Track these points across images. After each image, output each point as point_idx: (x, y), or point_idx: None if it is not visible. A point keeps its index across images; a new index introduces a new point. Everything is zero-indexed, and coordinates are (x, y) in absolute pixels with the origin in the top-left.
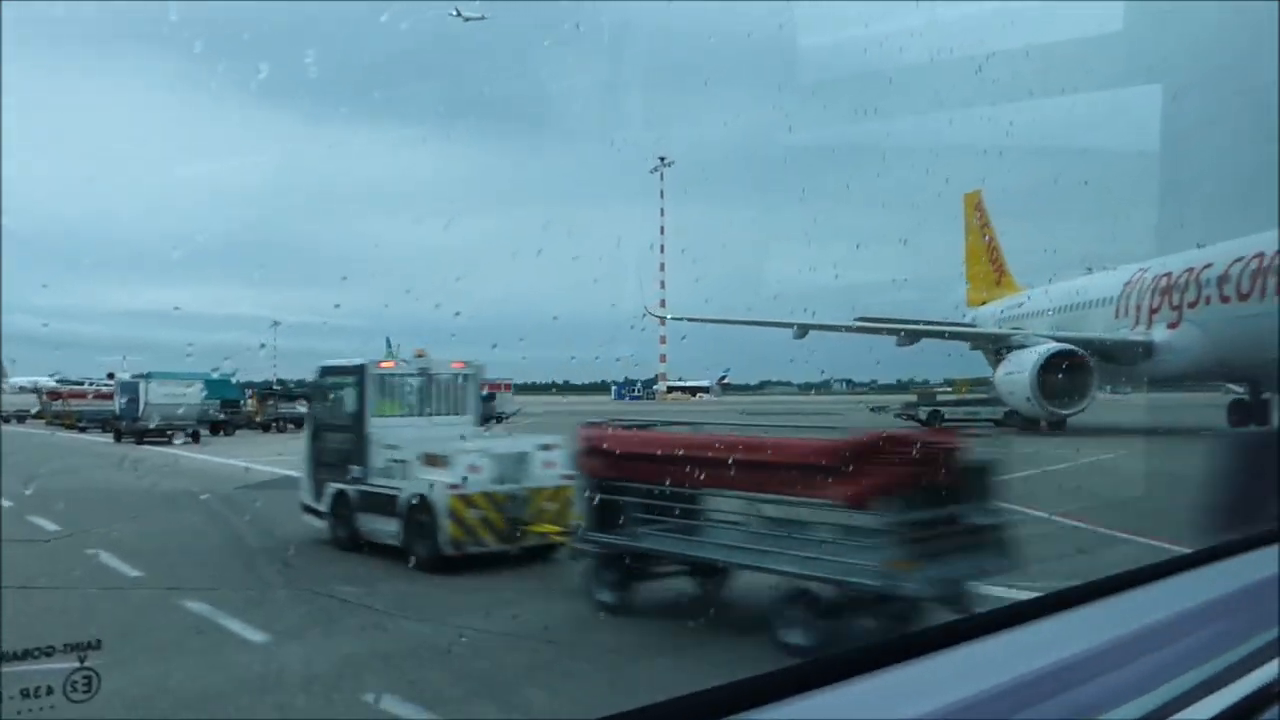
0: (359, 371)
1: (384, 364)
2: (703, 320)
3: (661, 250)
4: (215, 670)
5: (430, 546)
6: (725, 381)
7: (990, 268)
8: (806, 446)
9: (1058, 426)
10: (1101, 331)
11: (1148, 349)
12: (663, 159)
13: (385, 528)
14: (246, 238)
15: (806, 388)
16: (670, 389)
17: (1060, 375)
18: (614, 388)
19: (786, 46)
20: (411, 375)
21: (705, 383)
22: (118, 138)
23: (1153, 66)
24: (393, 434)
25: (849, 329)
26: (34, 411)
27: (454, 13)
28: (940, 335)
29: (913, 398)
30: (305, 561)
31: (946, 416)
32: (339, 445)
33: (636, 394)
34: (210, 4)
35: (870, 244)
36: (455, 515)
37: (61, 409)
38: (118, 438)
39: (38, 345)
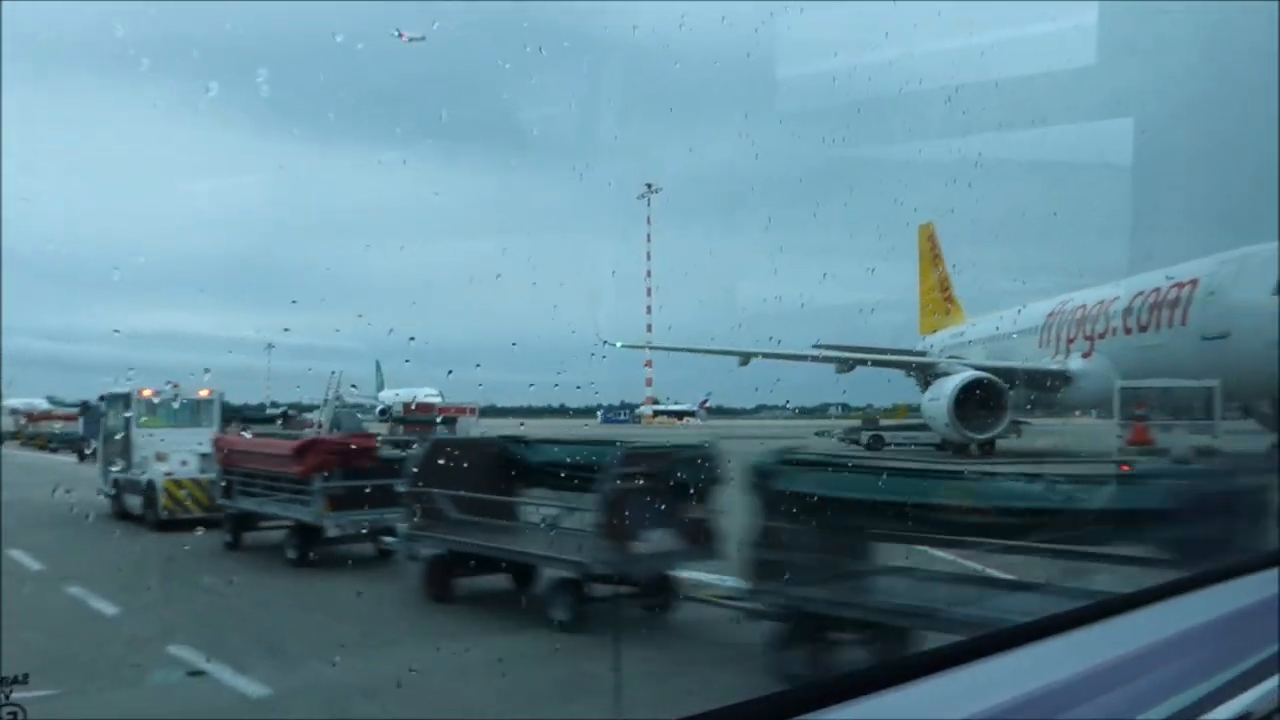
0: (127, 396)
1: (145, 391)
2: (650, 348)
3: (648, 275)
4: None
5: (154, 514)
6: (707, 405)
7: (941, 297)
8: (285, 444)
9: (988, 450)
10: (1026, 360)
11: (1065, 377)
12: (649, 186)
13: (135, 502)
14: (250, 260)
15: (804, 412)
16: (656, 413)
17: (976, 401)
18: (600, 412)
19: (756, 75)
20: (170, 399)
21: (692, 407)
22: (119, 158)
23: (1122, 100)
24: (147, 440)
25: (792, 357)
26: (11, 432)
27: (395, 33)
28: (877, 363)
29: (857, 422)
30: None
31: (887, 440)
32: (116, 447)
33: (623, 418)
34: (213, 28)
35: (841, 270)
36: (169, 493)
37: (34, 430)
38: (80, 457)
39: (39, 367)
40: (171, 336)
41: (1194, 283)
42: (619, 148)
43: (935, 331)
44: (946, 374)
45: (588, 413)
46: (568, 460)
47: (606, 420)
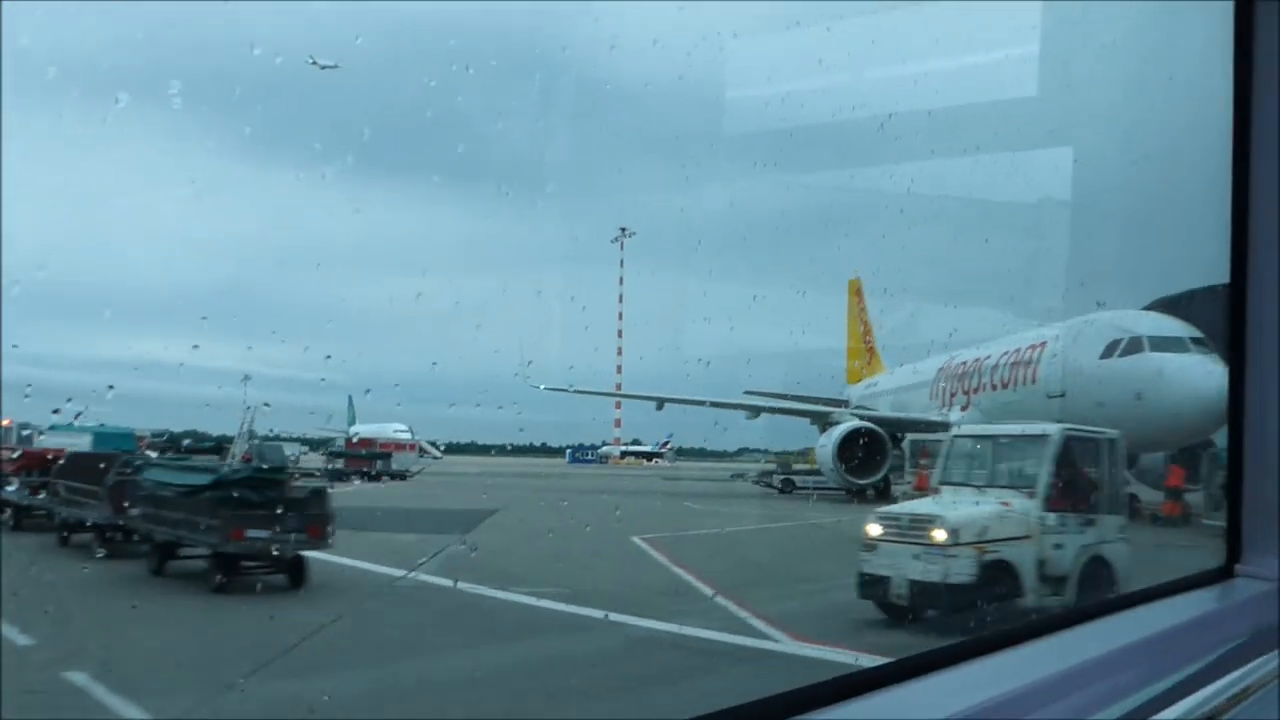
0: None
1: None
2: (570, 391)
3: (620, 318)
4: None
5: None
6: (668, 446)
7: (864, 349)
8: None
9: (883, 493)
10: (918, 411)
11: (946, 427)
12: (623, 229)
13: None
14: (230, 290)
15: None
16: (624, 454)
17: (860, 449)
18: (568, 451)
19: (689, 102)
20: None
21: (657, 448)
22: (99, 186)
23: (1056, 130)
24: None
25: (698, 403)
26: None
27: (310, 60)
28: (778, 410)
29: (771, 465)
30: None
31: (798, 484)
32: None
33: (590, 459)
34: (202, 58)
35: (772, 306)
36: None
37: None
38: None
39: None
40: (149, 365)
41: (1043, 345)
42: (575, 186)
43: (858, 381)
44: (837, 423)
45: (559, 451)
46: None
47: (574, 461)
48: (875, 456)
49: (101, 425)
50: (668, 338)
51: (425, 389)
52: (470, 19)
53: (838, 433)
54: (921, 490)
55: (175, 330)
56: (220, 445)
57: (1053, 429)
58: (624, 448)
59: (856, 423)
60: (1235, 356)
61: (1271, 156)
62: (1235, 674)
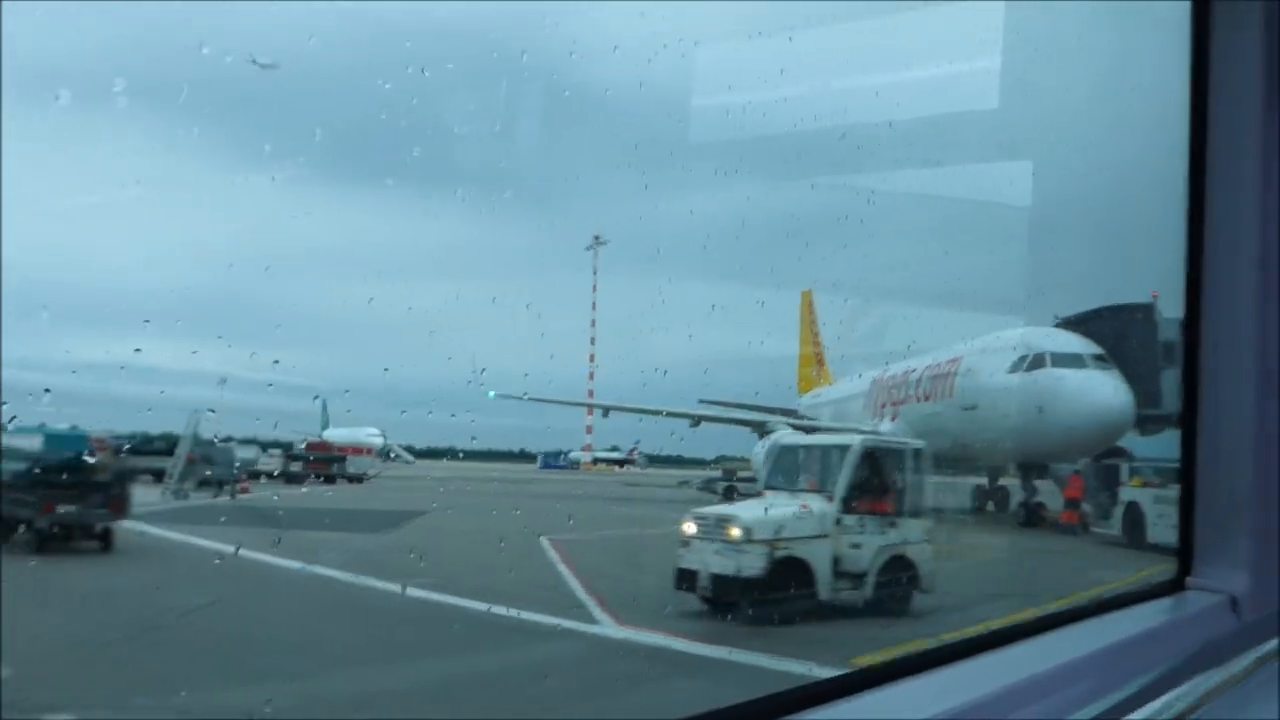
0: None
1: None
2: (522, 399)
3: (592, 325)
4: None
5: None
6: (635, 452)
7: (815, 360)
8: None
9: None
10: (854, 422)
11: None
12: (597, 237)
13: None
14: (214, 294)
15: (730, 460)
16: (596, 460)
17: None
18: (540, 457)
19: (649, 110)
20: None
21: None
22: (79, 188)
23: (1017, 141)
24: None
25: (643, 411)
26: None
27: (250, 59)
28: (717, 419)
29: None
30: None
31: (741, 490)
32: None
33: (561, 464)
34: (188, 64)
35: (734, 313)
36: None
37: None
38: None
39: None
40: (192, 373)
41: (960, 359)
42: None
43: (809, 391)
44: (771, 432)
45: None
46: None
47: (546, 466)
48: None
49: (43, 426)
50: (629, 345)
51: (385, 395)
52: (423, 20)
53: (769, 442)
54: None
55: (124, 332)
56: (170, 447)
57: (854, 440)
58: (595, 454)
59: (787, 431)
60: (1188, 368)
61: (1227, 168)
62: (1185, 687)
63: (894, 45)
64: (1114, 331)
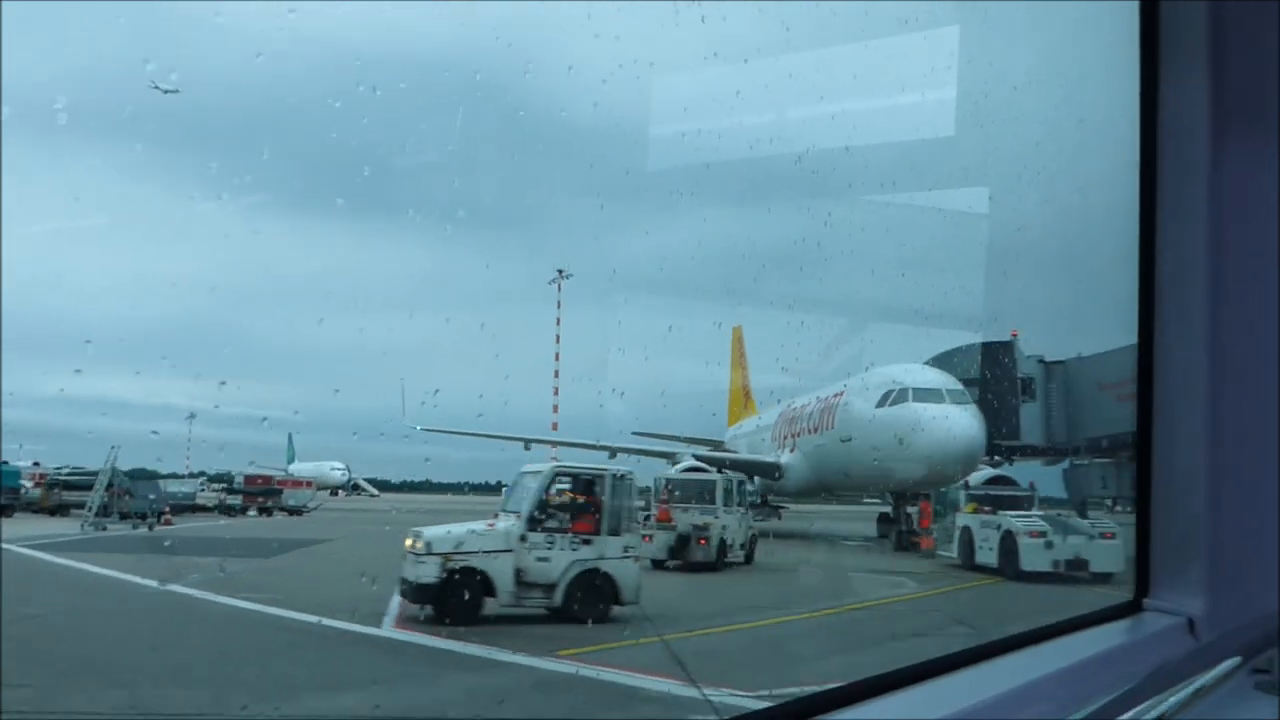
0: None
1: None
2: (443, 431)
3: (556, 358)
4: None
5: None
6: None
7: (742, 393)
8: None
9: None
10: (765, 452)
11: (779, 469)
12: (560, 271)
13: None
14: (182, 328)
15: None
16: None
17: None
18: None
19: (606, 131)
20: None
21: None
22: (51, 220)
23: (971, 169)
24: None
25: (566, 444)
26: None
27: (151, 84)
28: (631, 450)
29: None
30: None
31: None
32: None
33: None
34: (167, 98)
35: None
36: None
37: None
38: None
39: None
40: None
41: (842, 393)
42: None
43: (736, 423)
44: (677, 461)
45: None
46: None
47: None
48: (704, 493)
49: None
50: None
51: (340, 424)
52: (375, 47)
53: (673, 470)
54: (662, 521)
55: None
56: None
57: (546, 468)
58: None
59: (691, 461)
60: (1142, 391)
61: (1175, 199)
62: (1143, 707)
63: (849, 72)
64: (978, 367)
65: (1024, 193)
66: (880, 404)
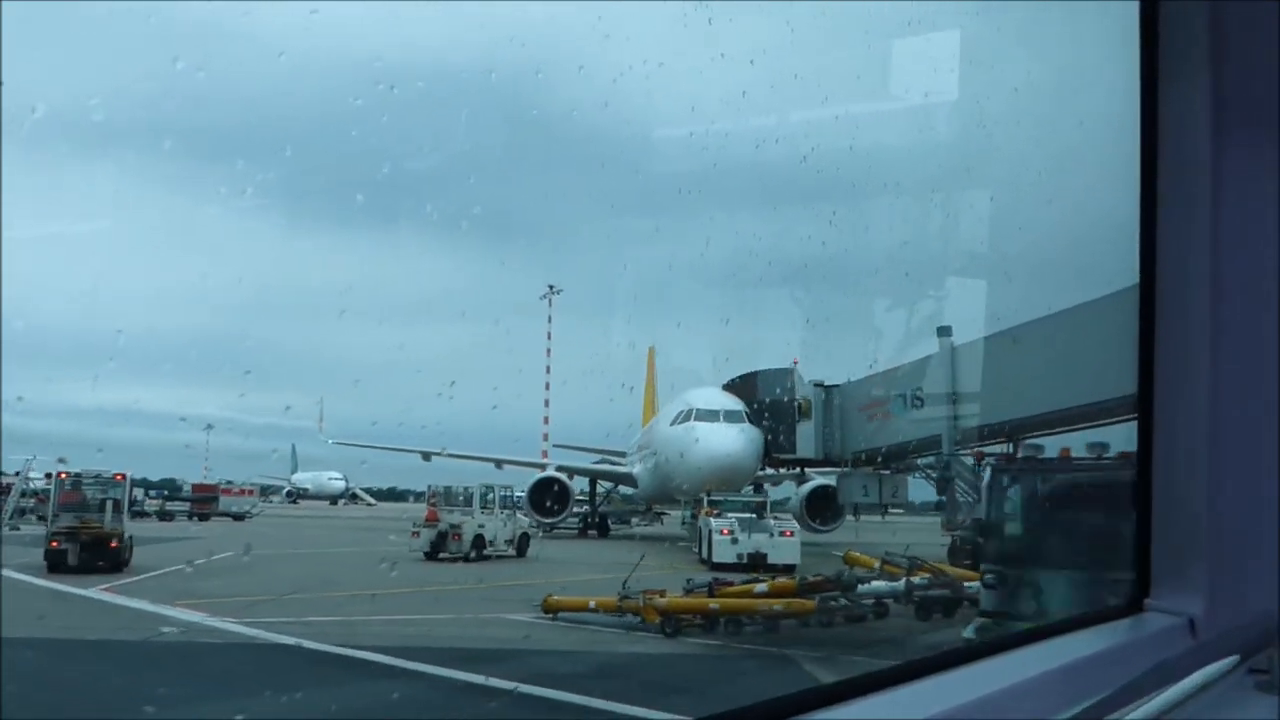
0: None
1: None
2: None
3: (547, 371)
4: None
5: None
6: None
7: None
8: None
9: (603, 532)
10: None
11: (634, 479)
12: (551, 287)
13: None
14: (208, 338)
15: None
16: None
17: (552, 495)
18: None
19: (613, 133)
20: None
21: None
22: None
23: (973, 169)
24: None
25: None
26: None
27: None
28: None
29: None
30: None
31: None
32: None
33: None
34: (195, 111)
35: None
36: None
37: None
38: None
39: None
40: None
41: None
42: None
43: None
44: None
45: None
46: None
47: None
48: (560, 500)
49: None
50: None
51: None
52: (395, 51)
53: (532, 481)
54: (430, 521)
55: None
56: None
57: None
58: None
59: (550, 472)
60: (1143, 391)
61: (1174, 200)
62: (1143, 705)
63: (852, 73)
64: (763, 390)
65: (1024, 192)
66: (674, 422)
